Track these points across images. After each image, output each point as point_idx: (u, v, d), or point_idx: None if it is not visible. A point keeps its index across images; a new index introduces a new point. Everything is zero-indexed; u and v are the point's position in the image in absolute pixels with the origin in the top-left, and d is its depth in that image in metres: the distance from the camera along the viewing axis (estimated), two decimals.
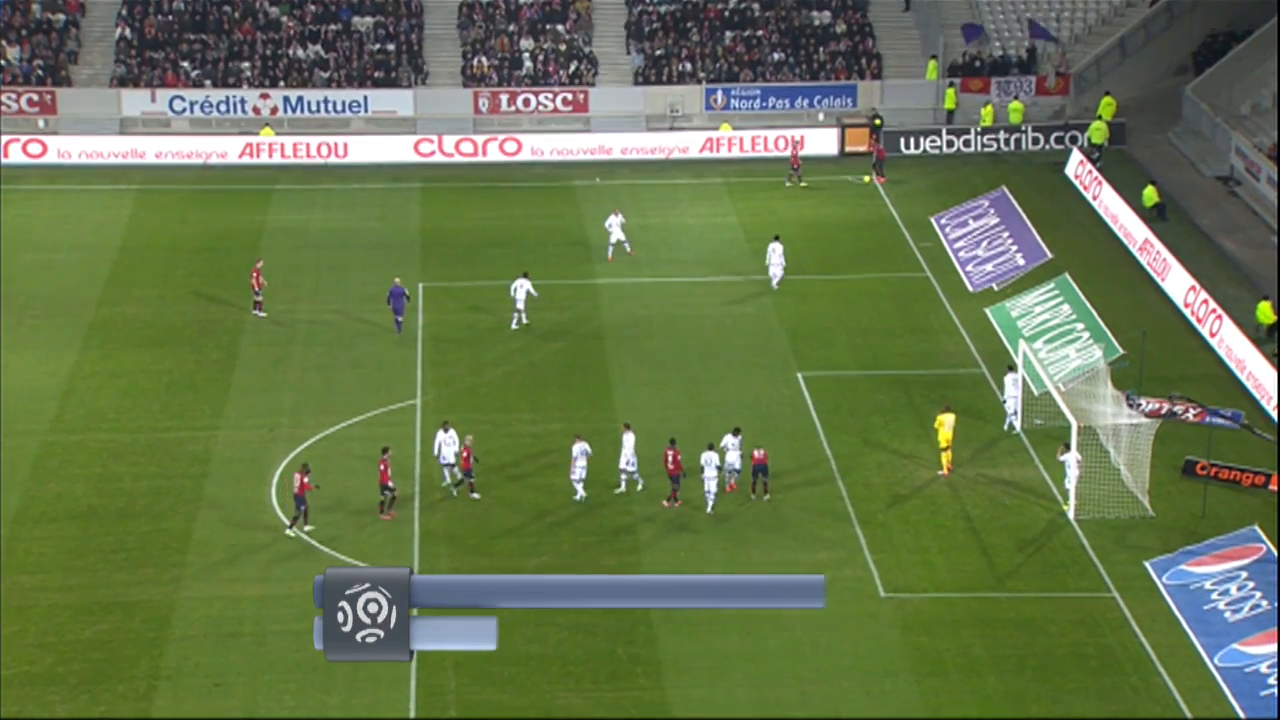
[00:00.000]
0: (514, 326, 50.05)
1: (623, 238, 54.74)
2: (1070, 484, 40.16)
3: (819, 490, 41.90)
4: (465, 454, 40.67)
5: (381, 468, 40.01)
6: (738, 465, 41.01)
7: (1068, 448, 40.36)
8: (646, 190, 61.36)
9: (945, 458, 41.89)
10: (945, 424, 41.92)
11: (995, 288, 52.15)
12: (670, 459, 40.53)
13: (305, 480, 39.27)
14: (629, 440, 40.87)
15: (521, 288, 50.07)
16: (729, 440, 41.14)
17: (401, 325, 49.16)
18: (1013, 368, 43.97)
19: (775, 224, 58.88)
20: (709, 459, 40.24)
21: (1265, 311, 49.68)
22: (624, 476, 41.05)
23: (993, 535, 40.18)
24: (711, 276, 54.74)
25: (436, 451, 41.40)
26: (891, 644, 36.02)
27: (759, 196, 59.93)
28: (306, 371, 48.40)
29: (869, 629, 36.56)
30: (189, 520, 40.56)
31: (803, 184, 59.27)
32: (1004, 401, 44.08)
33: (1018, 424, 43.74)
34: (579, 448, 40.75)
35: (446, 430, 41.42)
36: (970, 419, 45.01)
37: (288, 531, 38.80)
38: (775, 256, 52.72)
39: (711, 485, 39.94)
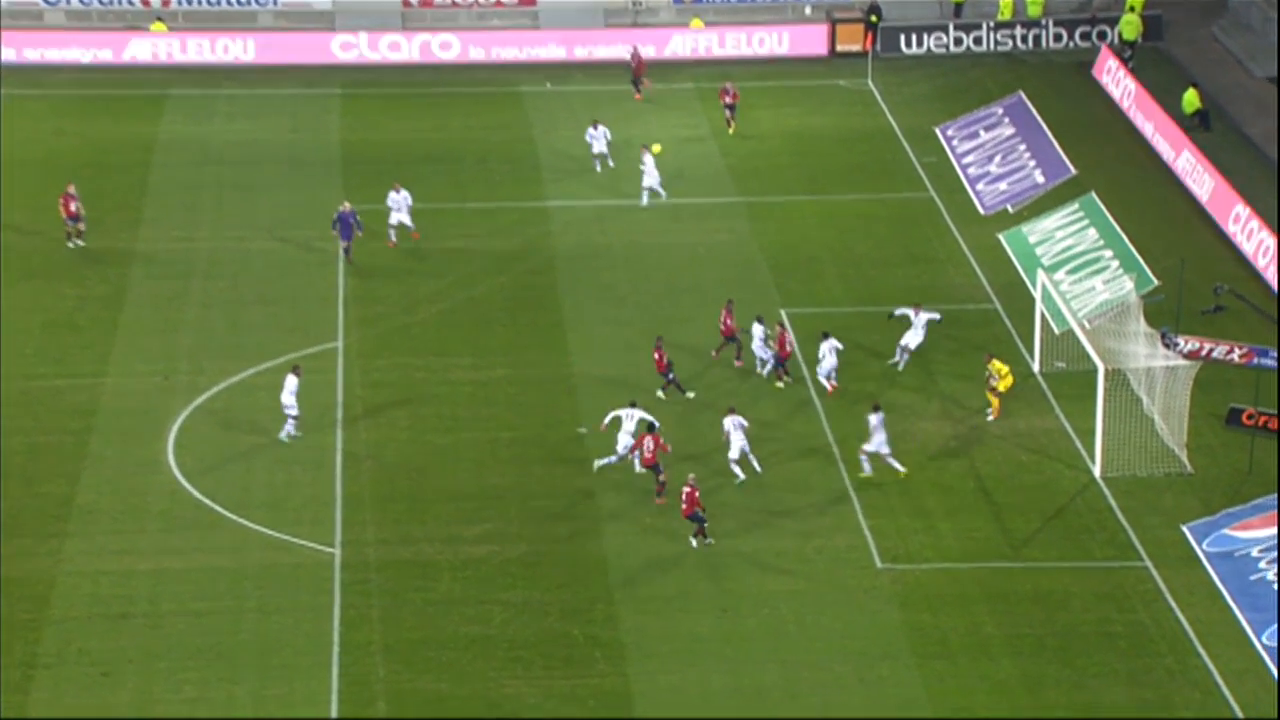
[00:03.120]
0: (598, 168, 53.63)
1: (605, 151, 54.80)
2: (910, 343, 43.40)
3: (806, 446, 41.97)
4: (652, 447, 39.01)
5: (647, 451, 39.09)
6: (765, 355, 43.60)
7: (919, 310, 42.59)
8: (606, 98, 61.05)
9: (996, 400, 42.15)
10: (1002, 370, 42.01)
11: (1010, 210, 52.15)
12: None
13: (658, 443, 38.97)
14: (631, 416, 40.46)
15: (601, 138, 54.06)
16: (755, 329, 43.92)
17: (349, 255, 49.33)
18: (827, 335, 44.03)
19: (758, 135, 58.70)
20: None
21: None
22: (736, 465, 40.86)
23: (1006, 496, 40.34)
24: (681, 198, 54.54)
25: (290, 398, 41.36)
26: (889, 622, 36.14)
27: (737, 103, 59.55)
28: (208, 309, 48.09)
29: (863, 605, 36.67)
30: (71, 483, 40.33)
31: (642, 97, 58.63)
32: (756, 350, 44.14)
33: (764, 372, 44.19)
34: (628, 413, 40.23)
35: (297, 374, 41.57)
36: (977, 364, 45.01)
37: (693, 541, 37.97)
38: (649, 168, 52.87)
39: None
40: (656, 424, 40.10)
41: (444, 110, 60.38)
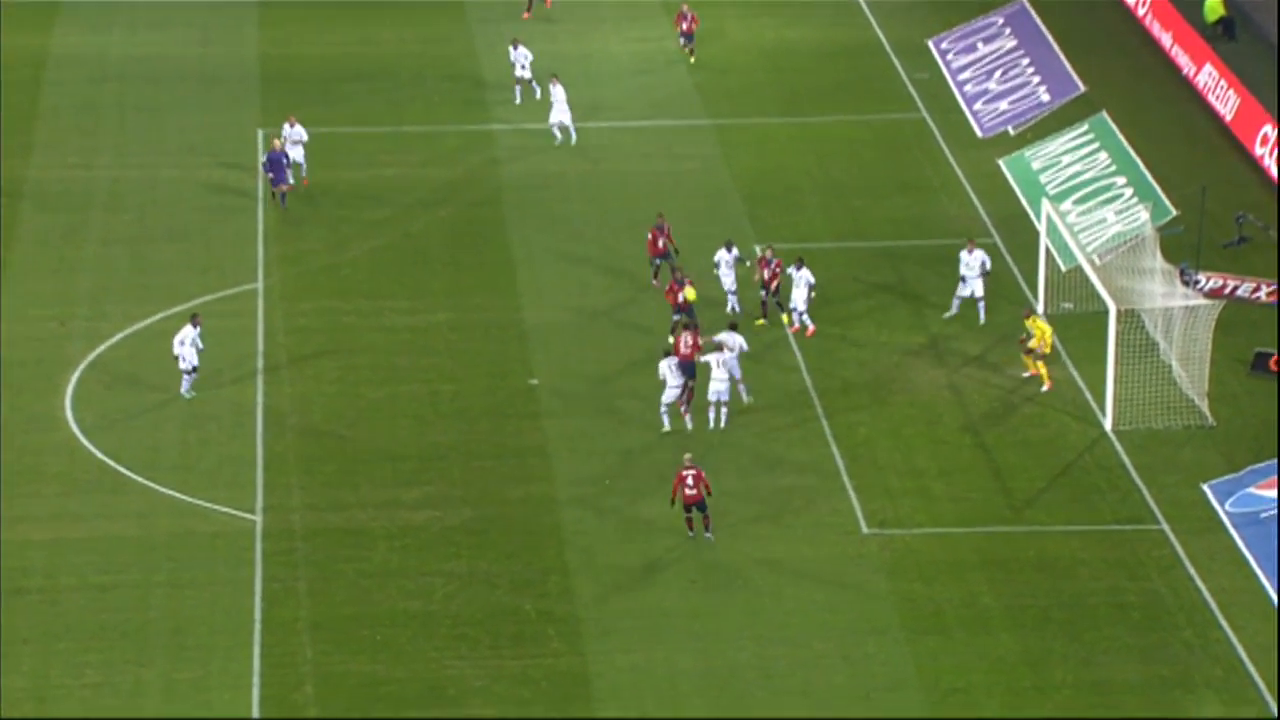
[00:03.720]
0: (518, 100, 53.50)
1: (529, 76, 54.27)
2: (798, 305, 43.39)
3: (784, 399, 42.07)
4: (690, 342, 40.54)
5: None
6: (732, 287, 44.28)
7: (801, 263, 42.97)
8: (560, 7, 60.85)
9: (1043, 366, 42.05)
10: (1043, 331, 41.90)
11: (1011, 131, 52.24)
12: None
13: (696, 339, 40.21)
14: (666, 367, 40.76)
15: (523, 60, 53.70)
16: (721, 255, 44.21)
17: (283, 200, 48.43)
18: (730, 245, 44.34)
19: (724, 51, 58.53)
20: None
21: None
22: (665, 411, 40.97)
23: (1007, 453, 40.51)
24: (644, 120, 54.44)
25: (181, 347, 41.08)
26: (877, 594, 36.31)
27: (705, 14, 59.49)
28: (109, 246, 47.91)
29: (847, 575, 36.80)
30: None
31: (691, 58, 57.21)
32: (719, 279, 44.27)
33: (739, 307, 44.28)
34: (717, 355, 40.33)
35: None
36: (976, 305, 45.13)
37: (697, 533, 37.47)
38: (558, 101, 51.86)
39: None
40: (697, 322, 41.66)
41: (374, 22, 60.07)
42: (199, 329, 41.43)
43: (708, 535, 37.22)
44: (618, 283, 46.07)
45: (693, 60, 56.78)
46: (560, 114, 52.05)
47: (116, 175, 51.14)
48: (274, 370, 42.77)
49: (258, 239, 47.95)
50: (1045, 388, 42.17)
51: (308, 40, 58.98)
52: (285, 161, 48.42)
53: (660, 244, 45.44)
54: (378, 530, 37.80)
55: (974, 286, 44.24)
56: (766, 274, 44.06)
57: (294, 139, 49.60)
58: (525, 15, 59.68)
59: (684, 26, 57.18)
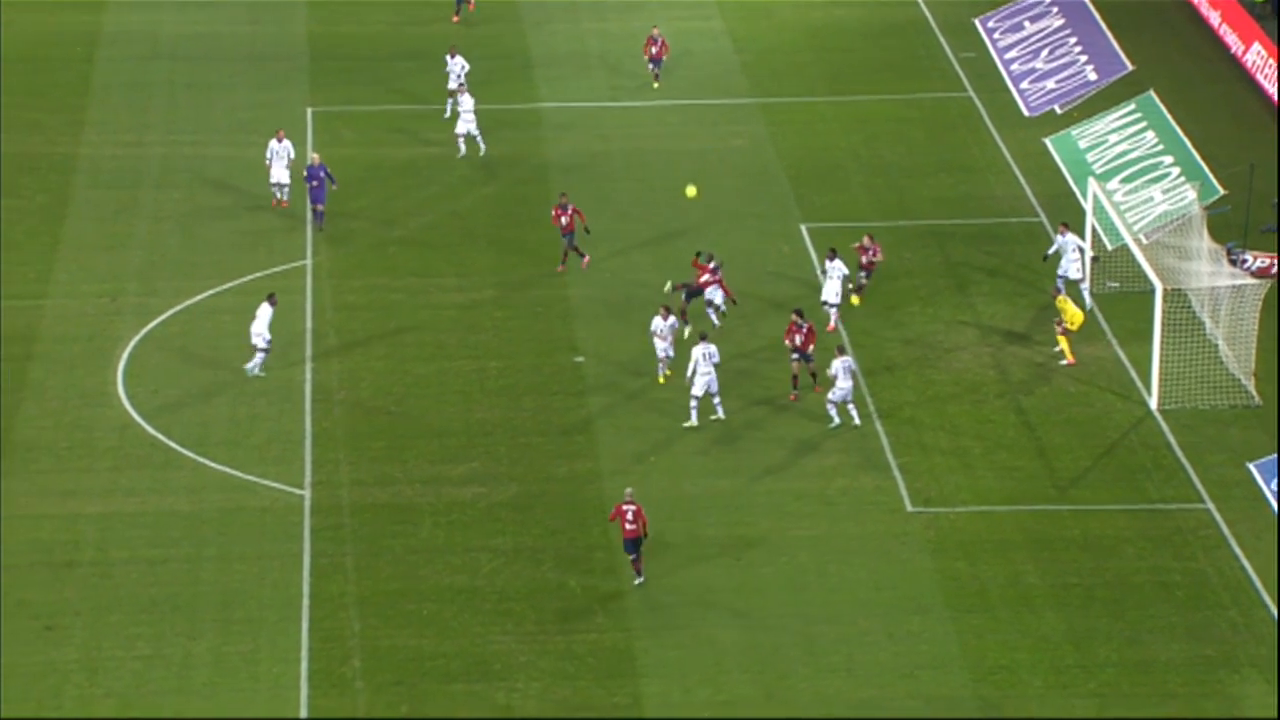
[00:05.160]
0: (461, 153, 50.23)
1: (463, 81, 51.42)
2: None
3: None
4: (635, 518, 35.27)
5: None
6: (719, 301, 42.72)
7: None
8: None
9: (1064, 341, 41.86)
10: (1068, 310, 41.69)
11: (1058, 110, 51.90)
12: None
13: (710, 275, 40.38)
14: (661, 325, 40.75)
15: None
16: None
17: (322, 217, 46.98)
18: (834, 253, 43.29)
19: (771, 30, 58.42)
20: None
21: None
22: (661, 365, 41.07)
23: (1052, 432, 40.30)
24: (689, 99, 54.28)
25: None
26: (921, 571, 36.18)
27: None
28: (160, 223, 47.97)
29: (892, 553, 36.69)
30: (8, 416, 40.28)
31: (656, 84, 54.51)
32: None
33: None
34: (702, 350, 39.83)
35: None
36: (1020, 284, 44.94)
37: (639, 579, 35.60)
38: (466, 110, 50.05)
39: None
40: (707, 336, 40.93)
41: (422, 1, 60.01)
42: (275, 308, 41.42)
43: (639, 580, 35.41)
44: (663, 260, 45.91)
45: (656, 86, 54.00)
46: (466, 124, 50.18)
47: (167, 152, 51.27)
48: (322, 347, 42.82)
49: (306, 216, 47.95)
50: (1065, 362, 41.89)
51: (355, 19, 59.03)
52: (324, 174, 46.60)
53: (563, 221, 44.68)
54: (424, 506, 37.81)
55: (1069, 268, 43.77)
56: (864, 260, 43.74)
57: (279, 157, 47.53)
58: (455, 19, 58.03)
59: (653, 51, 54.12)
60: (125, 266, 45.99)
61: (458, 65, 51.93)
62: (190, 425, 40.04)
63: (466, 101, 50.43)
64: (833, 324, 43.19)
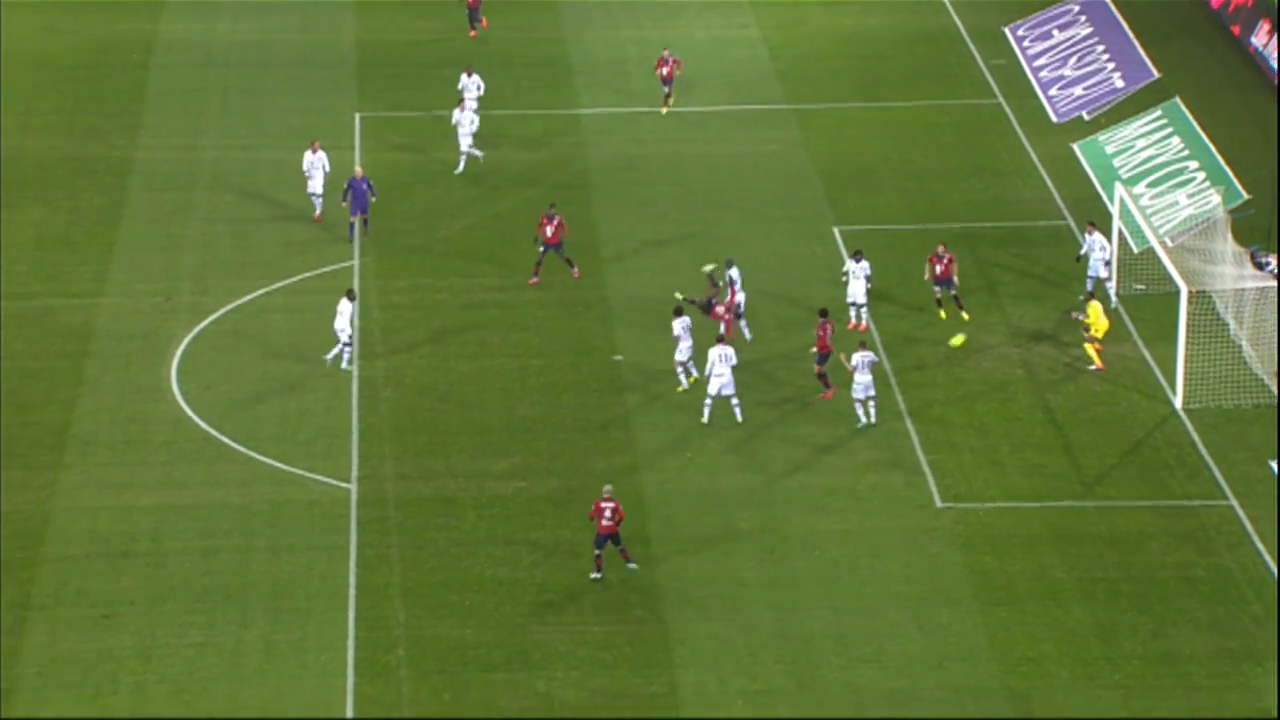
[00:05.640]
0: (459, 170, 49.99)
1: (472, 146, 50.54)
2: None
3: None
4: (613, 514, 35.47)
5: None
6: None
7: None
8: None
9: (1090, 348, 41.98)
10: (1099, 312, 41.81)
11: (1086, 116, 51.90)
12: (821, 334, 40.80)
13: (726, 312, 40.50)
14: (680, 326, 40.95)
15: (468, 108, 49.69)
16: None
17: (365, 228, 46.62)
18: (859, 254, 43.34)
19: (805, 38, 58.56)
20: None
21: None
22: (681, 369, 41.26)
23: (1078, 430, 40.44)
24: (726, 105, 54.43)
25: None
26: (950, 565, 36.35)
27: (786, 2, 59.43)
28: (213, 224, 48.39)
29: (922, 547, 36.87)
30: (66, 411, 40.71)
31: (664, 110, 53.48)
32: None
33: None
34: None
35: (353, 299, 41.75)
36: (1048, 285, 45.04)
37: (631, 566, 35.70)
38: (464, 126, 49.76)
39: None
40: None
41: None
42: (355, 303, 41.75)
43: (631, 566, 35.69)
44: (700, 262, 46.10)
45: (665, 111, 53.20)
46: (465, 141, 49.89)
47: (220, 156, 51.61)
48: (368, 345, 43.14)
49: (346, 222, 48.21)
50: (1093, 367, 42.02)
51: (401, 26, 59.29)
52: (365, 187, 46.49)
53: (548, 231, 44.71)
54: (467, 500, 38.11)
55: (1098, 267, 43.88)
56: (939, 269, 43.61)
57: (315, 168, 47.32)
58: (471, 34, 57.78)
59: (664, 71, 53.17)
60: (179, 266, 46.40)
61: (474, 84, 51.43)
62: (241, 420, 40.40)
63: (465, 117, 49.84)
64: (856, 323, 43.24)
